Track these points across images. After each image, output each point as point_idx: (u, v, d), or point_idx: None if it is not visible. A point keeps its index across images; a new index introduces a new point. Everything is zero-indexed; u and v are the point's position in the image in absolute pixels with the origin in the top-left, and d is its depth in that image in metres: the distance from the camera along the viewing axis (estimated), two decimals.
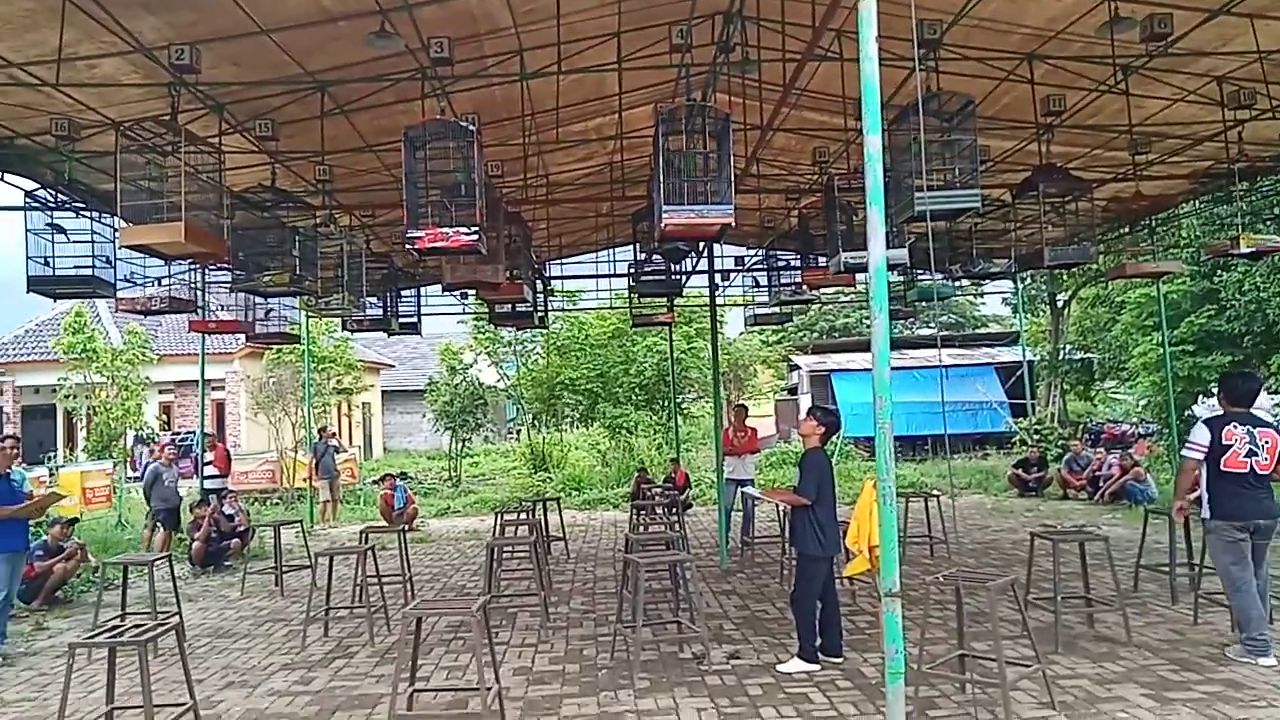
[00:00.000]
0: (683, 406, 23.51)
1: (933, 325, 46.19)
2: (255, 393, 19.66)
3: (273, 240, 7.22)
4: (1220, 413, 6.13)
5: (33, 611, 8.72)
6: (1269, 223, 9.20)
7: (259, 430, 21.36)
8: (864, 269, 7.95)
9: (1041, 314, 29.74)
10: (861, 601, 7.81)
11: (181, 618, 6.90)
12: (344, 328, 13.66)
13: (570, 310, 20.61)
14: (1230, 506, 5.85)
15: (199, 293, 8.91)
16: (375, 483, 16.75)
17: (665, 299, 12.56)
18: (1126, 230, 10.43)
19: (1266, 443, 5.82)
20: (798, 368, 33.51)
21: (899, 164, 5.74)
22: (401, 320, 11.64)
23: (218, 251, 5.72)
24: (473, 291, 9.20)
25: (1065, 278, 23.17)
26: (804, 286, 10.36)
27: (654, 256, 9.93)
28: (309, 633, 7.34)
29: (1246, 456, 5.81)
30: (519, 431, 30.12)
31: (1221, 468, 5.85)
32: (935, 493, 10.62)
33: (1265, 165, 7.99)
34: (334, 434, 17.60)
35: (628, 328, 19.66)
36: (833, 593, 5.99)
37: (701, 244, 8.65)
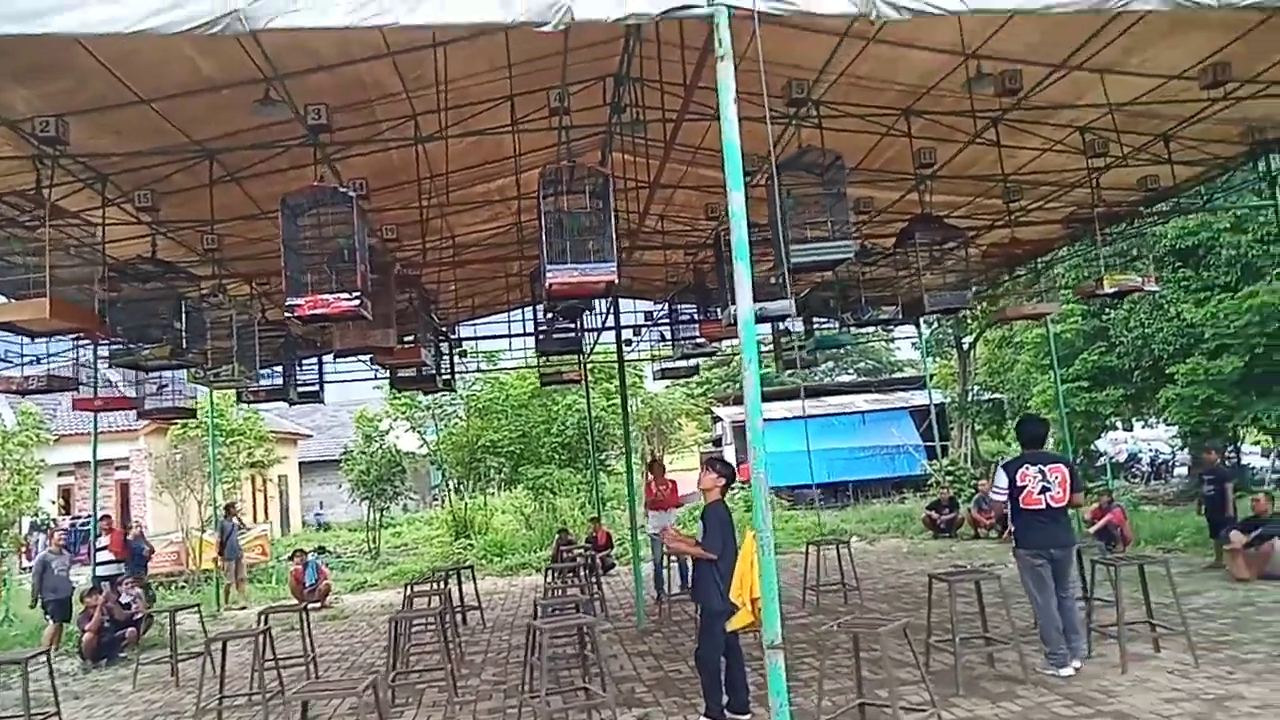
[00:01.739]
0: (605, 463, 23.41)
1: (851, 372, 47.55)
2: (159, 471, 18.86)
3: (157, 312, 7.00)
4: (1018, 456, 6.85)
5: None
6: (1138, 263, 9.67)
7: (166, 510, 20.46)
8: (761, 320, 8.20)
9: (949, 357, 30.69)
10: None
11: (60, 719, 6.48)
12: (239, 400, 13.26)
13: (488, 371, 20.42)
14: (1030, 538, 6.58)
15: (84, 370, 8.56)
16: (288, 559, 16.14)
17: (574, 356, 12.59)
18: (1008, 275, 10.93)
19: (1056, 477, 6.50)
20: (719, 419, 33.81)
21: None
22: (301, 389, 11.35)
23: (89, 325, 5.54)
24: (368, 357, 9.08)
25: (970, 322, 24.03)
26: (704, 339, 10.55)
27: (553, 315, 9.98)
28: None
29: (1040, 493, 6.48)
30: (443, 498, 29.55)
31: (1021, 505, 6.55)
32: (846, 539, 10.73)
33: (1121, 210, 8.49)
34: (238, 512, 16.93)
35: (551, 389, 19.58)
36: (737, 648, 5.96)
37: (597, 301, 8.71)
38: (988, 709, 5.89)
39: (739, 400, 34.22)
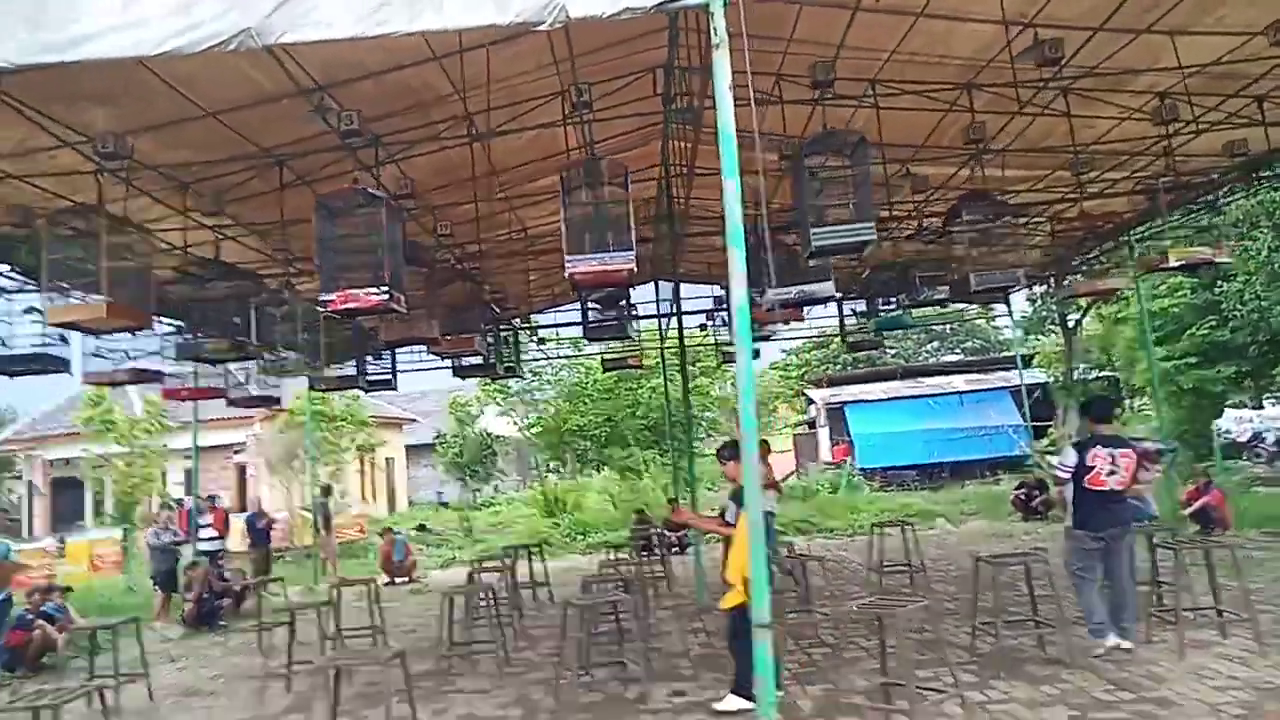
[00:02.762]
0: (694, 446, 23.50)
1: (958, 351, 46.07)
2: (267, 454, 20.09)
3: (223, 309, 7.54)
4: (1090, 436, 6.69)
5: (14, 679, 8.96)
6: (1214, 232, 9.11)
7: (278, 492, 21.78)
8: (803, 303, 8.17)
9: (1055, 334, 29.40)
10: (824, 633, 7.85)
11: (149, 678, 7.11)
12: (311, 388, 13.93)
13: (556, 357, 20.81)
14: (1091, 519, 6.50)
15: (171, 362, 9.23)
16: (378, 536, 16.96)
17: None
18: (1087, 251, 10.44)
19: (1125, 462, 6.43)
20: (813, 401, 33.42)
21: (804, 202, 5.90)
22: (373, 378, 11.88)
23: (142, 323, 6.05)
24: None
25: (1081, 300, 22.94)
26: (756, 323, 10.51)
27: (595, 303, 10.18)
28: (272, 688, 7.54)
29: (1108, 475, 6.40)
30: (539, 479, 30.37)
31: (1086, 485, 6.45)
32: (913, 521, 10.57)
33: (1198, 179, 8.04)
34: (335, 492, 17.85)
35: (635, 372, 19.84)
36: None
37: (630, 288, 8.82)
38: (1024, 691, 5.79)
39: (833, 382, 33.87)
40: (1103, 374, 26.52)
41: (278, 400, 10.65)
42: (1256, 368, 17.60)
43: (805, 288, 6.55)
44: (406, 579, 14.26)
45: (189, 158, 7.85)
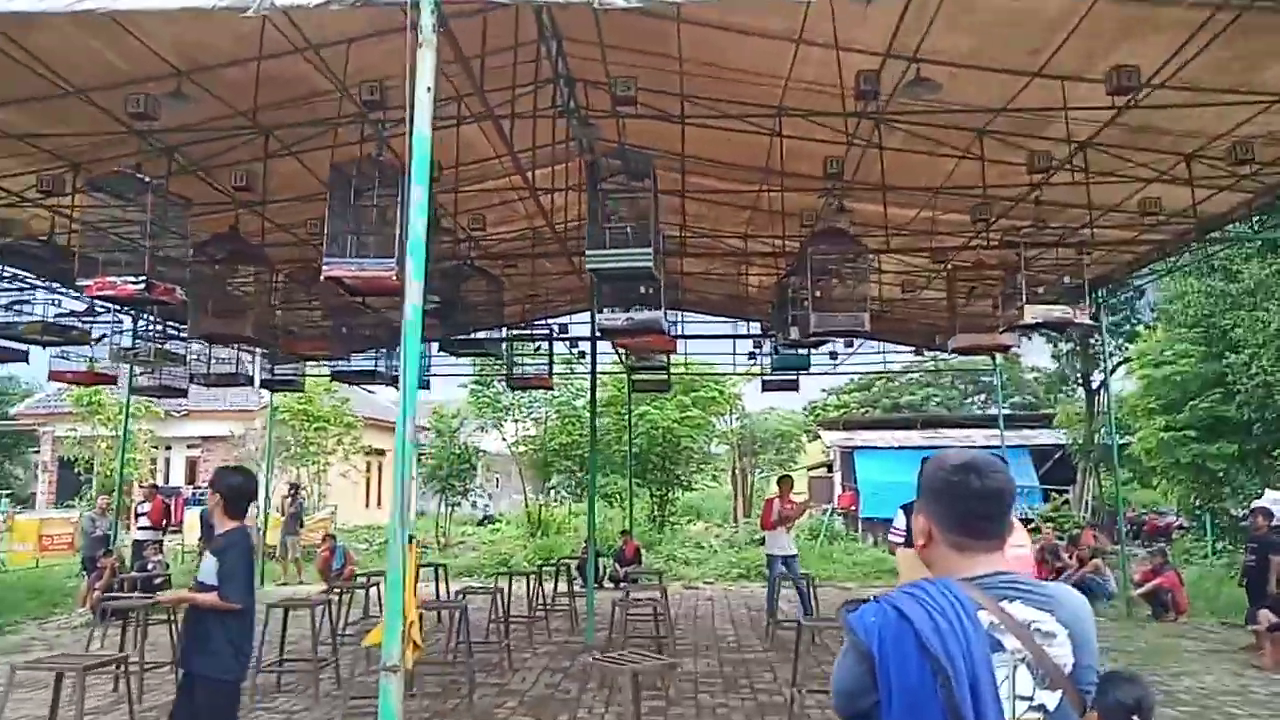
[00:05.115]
0: (680, 477, 23.03)
1: (1006, 406, 44.55)
2: (246, 451, 20.33)
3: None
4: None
5: None
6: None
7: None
8: (637, 330, 7.72)
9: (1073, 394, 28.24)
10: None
11: None
12: (332, 379, 13.85)
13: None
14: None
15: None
16: (319, 543, 16.85)
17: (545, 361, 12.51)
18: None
19: None
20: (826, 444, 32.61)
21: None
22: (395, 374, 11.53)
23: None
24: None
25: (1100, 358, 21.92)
26: None
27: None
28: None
29: None
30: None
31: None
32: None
33: (1062, 238, 7.47)
34: (293, 488, 17.86)
35: (623, 395, 19.54)
36: None
37: None
38: None
39: (848, 425, 33.05)
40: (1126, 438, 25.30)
41: (250, 380, 10.61)
42: (1260, 447, 16.44)
43: (636, 315, 6.23)
44: (342, 589, 14.15)
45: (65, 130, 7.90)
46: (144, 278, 5.34)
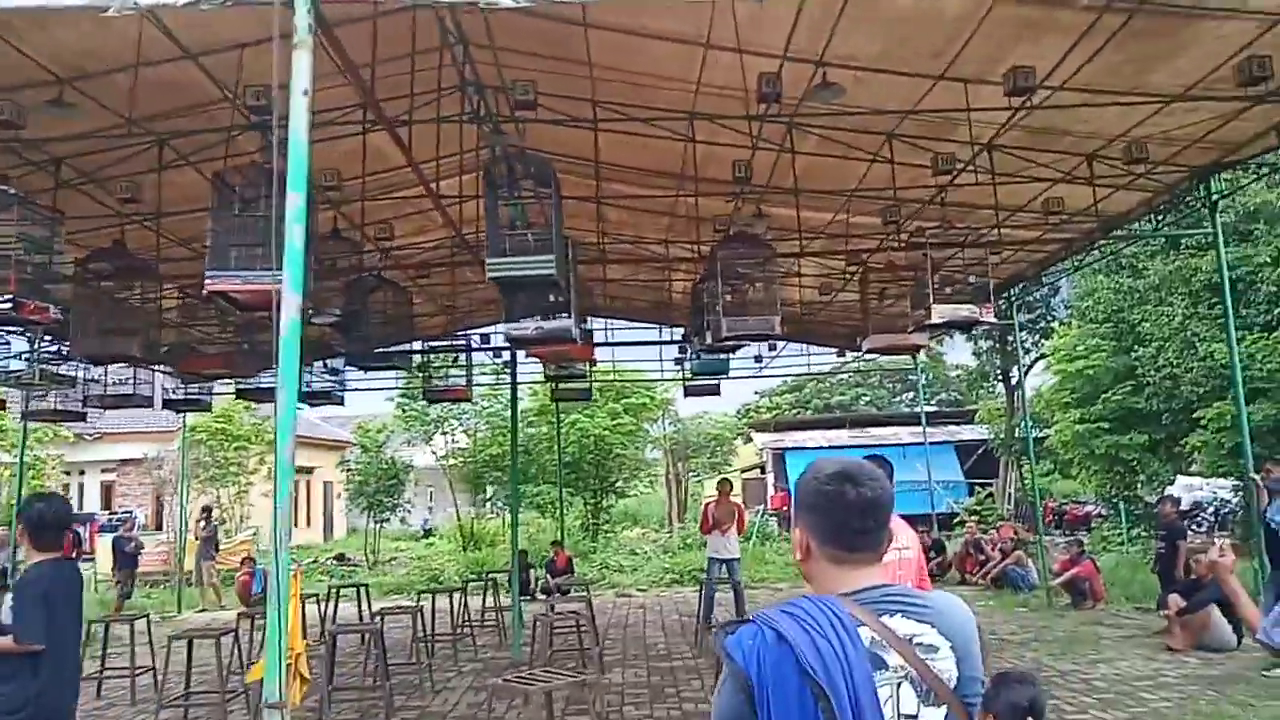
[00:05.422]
0: (615, 485, 22.89)
1: (934, 404, 45.52)
2: (160, 475, 19.59)
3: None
4: None
5: None
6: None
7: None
8: (547, 340, 7.61)
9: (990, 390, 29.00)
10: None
11: None
12: (237, 396, 13.30)
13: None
14: None
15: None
16: (239, 566, 16.33)
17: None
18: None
19: None
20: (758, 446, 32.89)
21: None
22: (311, 391, 11.18)
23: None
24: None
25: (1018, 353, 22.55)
26: None
27: None
28: None
29: None
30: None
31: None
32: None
33: (969, 236, 7.62)
34: (206, 511, 17.26)
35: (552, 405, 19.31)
36: None
37: None
38: None
39: (778, 427, 33.40)
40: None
41: (149, 401, 10.06)
42: (1169, 436, 17.08)
43: (545, 324, 6.11)
44: (261, 613, 13.65)
45: None
46: (10, 296, 5.02)
